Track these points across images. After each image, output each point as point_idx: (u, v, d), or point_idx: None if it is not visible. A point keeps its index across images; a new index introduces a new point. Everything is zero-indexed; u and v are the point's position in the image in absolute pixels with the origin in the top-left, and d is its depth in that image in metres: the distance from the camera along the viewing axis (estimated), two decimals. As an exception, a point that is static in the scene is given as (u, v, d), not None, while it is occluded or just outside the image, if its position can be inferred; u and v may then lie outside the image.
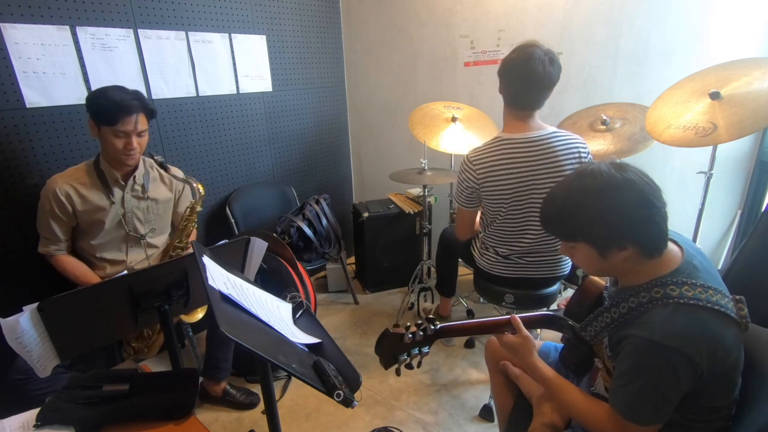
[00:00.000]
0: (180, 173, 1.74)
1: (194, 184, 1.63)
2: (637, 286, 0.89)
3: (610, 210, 0.85)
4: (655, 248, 0.87)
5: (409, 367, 1.02)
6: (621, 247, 0.86)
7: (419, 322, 1.02)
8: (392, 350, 1.01)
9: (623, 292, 0.91)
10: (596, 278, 1.09)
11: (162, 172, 1.69)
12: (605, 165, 0.89)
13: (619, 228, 0.85)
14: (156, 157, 1.59)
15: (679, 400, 0.85)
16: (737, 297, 0.87)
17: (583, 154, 1.59)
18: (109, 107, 1.48)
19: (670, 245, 0.91)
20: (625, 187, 0.85)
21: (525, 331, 1.03)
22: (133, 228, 1.72)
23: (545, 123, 1.62)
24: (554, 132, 1.58)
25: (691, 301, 0.82)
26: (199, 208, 1.69)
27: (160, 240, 1.82)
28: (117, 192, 1.65)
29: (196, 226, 1.80)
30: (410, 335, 1.00)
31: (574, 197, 0.89)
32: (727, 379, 0.85)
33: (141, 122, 1.54)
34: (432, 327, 1.01)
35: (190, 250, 1.73)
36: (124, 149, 1.54)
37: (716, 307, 0.81)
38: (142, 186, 1.70)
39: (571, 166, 1.56)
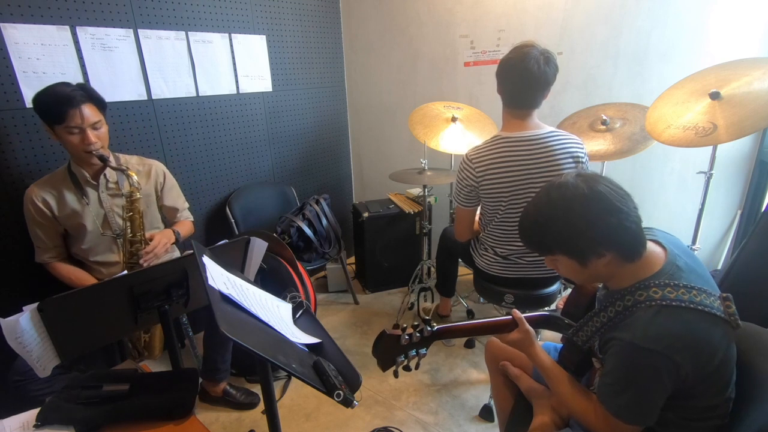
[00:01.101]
0: (140, 167, 1.65)
1: (127, 172, 1.57)
2: (623, 289, 0.90)
3: (579, 220, 0.87)
4: (633, 251, 0.89)
5: (407, 369, 1.02)
6: (599, 255, 0.88)
7: (416, 323, 1.03)
8: (389, 352, 1.00)
9: (611, 296, 0.93)
10: None
11: (135, 166, 1.62)
12: (572, 177, 0.91)
13: (591, 237, 0.87)
14: (95, 152, 1.52)
15: (672, 400, 0.85)
16: (724, 295, 0.87)
17: (580, 155, 1.59)
18: (52, 104, 1.44)
19: (654, 247, 0.93)
20: (591, 198, 0.87)
21: (526, 325, 1.05)
22: (117, 227, 1.68)
23: (545, 123, 1.62)
24: (552, 131, 1.59)
25: (674, 303, 0.82)
26: (137, 196, 1.61)
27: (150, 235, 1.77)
28: (92, 193, 1.63)
29: (141, 214, 1.69)
30: (407, 337, 0.99)
31: (544, 211, 0.92)
32: (717, 377, 0.86)
33: (90, 113, 1.49)
34: (429, 328, 1.01)
35: (159, 248, 1.67)
36: (81, 144, 1.50)
37: (700, 307, 0.82)
38: (117, 183, 1.67)
39: (567, 166, 1.57)
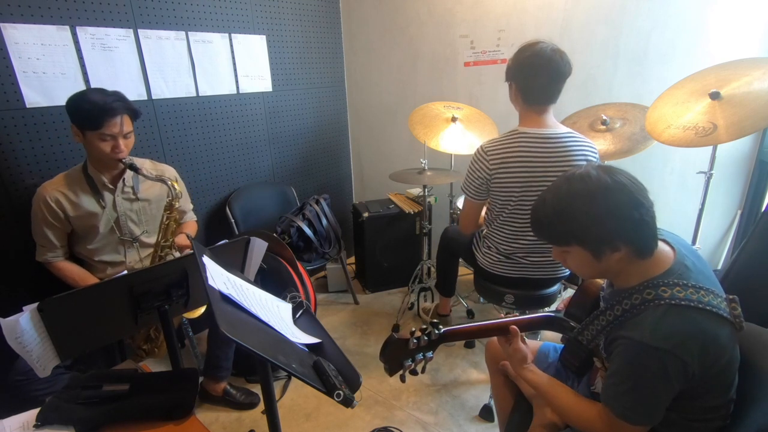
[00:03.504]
0: (153, 171, 1.66)
1: (168, 182, 1.59)
2: (630, 288, 0.89)
3: (602, 212, 0.86)
4: (647, 247, 0.88)
5: (414, 373, 1.01)
6: (614, 249, 0.87)
7: (424, 326, 1.02)
8: (397, 356, 0.99)
9: (617, 295, 0.92)
10: (596, 279, 1.09)
11: (151, 171, 1.63)
12: (593, 168, 0.90)
13: (611, 230, 0.86)
14: (125, 161, 1.54)
15: (676, 400, 0.85)
16: (730, 297, 0.87)
17: (593, 160, 1.59)
18: (92, 111, 1.45)
19: (662, 246, 0.92)
20: (615, 189, 0.86)
21: (517, 344, 1.04)
22: (128, 231, 1.70)
23: (570, 129, 1.62)
24: (569, 132, 1.58)
25: (683, 302, 0.82)
26: (177, 204, 1.64)
27: (155, 238, 1.79)
28: (108, 196, 1.64)
29: (178, 222, 1.75)
30: (415, 340, 0.98)
31: (565, 201, 0.90)
32: (722, 378, 0.85)
33: (126, 124, 1.52)
34: (436, 332, 1.00)
35: (186, 250, 1.72)
36: (112, 152, 1.52)
37: (708, 308, 0.81)
38: (132, 188, 1.69)
39: None
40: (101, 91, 1.50)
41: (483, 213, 1.79)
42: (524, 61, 1.53)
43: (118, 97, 1.51)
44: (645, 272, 0.89)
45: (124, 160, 1.54)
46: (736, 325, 0.85)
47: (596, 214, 0.86)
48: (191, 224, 1.98)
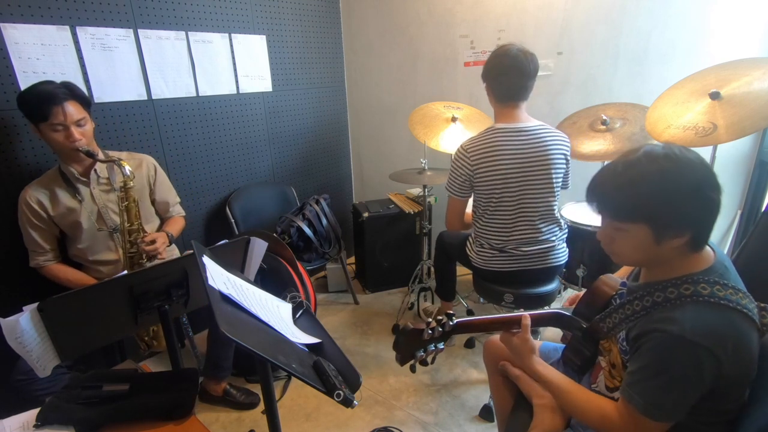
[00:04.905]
0: (105, 155, 1.63)
1: (119, 162, 1.56)
2: (665, 280, 0.87)
3: (687, 190, 0.81)
4: (704, 238, 0.86)
5: (424, 363, 1.03)
6: (679, 233, 0.83)
7: (440, 317, 1.02)
8: (410, 346, 1.00)
9: (648, 286, 0.89)
10: (609, 280, 1.06)
11: (124, 162, 1.60)
12: (676, 146, 0.85)
13: (688, 210, 0.82)
14: (81, 148, 1.52)
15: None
16: (762, 305, 0.86)
17: (566, 150, 1.67)
18: (35, 102, 1.45)
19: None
20: (700, 167, 0.82)
21: (527, 334, 1.03)
22: (112, 223, 1.69)
23: (544, 122, 1.68)
24: (542, 125, 1.67)
25: (722, 302, 0.81)
26: (131, 185, 1.60)
27: (148, 229, 1.76)
28: (84, 190, 1.64)
29: (137, 203, 1.67)
30: (430, 331, 0.99)
31: (648, 176, 0.83)
32: (743, 383, 0.85)
33: (74, 111, 1.50)
34: (450, 323, 1.01)
35: (159, 243, 1.67)
36: (67, 141, 1.50)
37: (744, 311, 0.81)
38: (108, 179, 1.67)
39: (557, 159, 1.63)
40: (48, 82, 1.50)
41: (469, 211, 1.82)
42: (492, 61, 1.65)
43: (63, 85, 1.51)
44: (688, 266, 0.87)
45: (80, 148, 1.52)
46: (761, 333, 0.84)
47: (682, 191, 0.81)
48: (178, 220, 1.92)
